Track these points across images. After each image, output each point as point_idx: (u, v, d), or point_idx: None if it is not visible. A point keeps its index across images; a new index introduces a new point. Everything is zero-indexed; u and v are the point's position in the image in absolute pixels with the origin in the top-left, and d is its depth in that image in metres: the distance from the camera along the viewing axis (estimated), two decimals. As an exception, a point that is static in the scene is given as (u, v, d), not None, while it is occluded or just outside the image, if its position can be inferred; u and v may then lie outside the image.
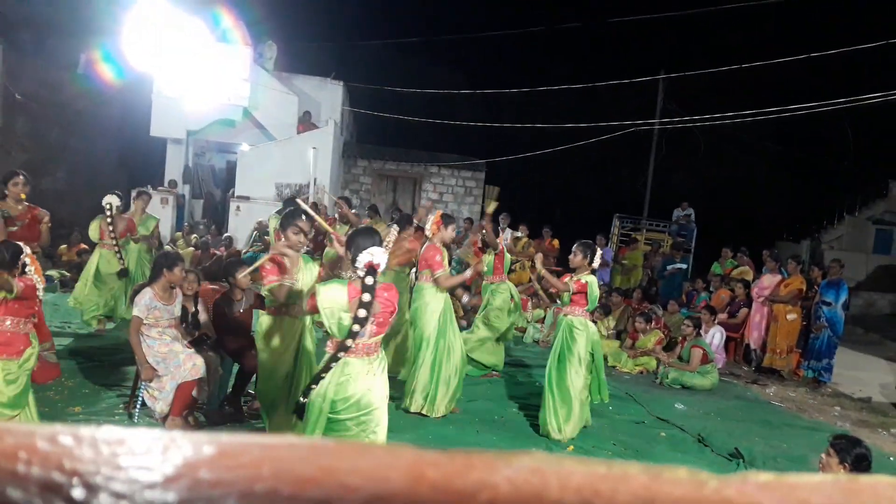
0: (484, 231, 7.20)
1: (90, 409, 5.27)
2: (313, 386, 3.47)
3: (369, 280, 3.29)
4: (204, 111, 14.92)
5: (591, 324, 5.71)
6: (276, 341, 4.37)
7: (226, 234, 13.42)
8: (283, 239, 4.39)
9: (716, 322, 9.40)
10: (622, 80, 16.13)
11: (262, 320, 4.48)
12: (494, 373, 7.46)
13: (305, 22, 23.36)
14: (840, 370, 9.24)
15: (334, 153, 15.75)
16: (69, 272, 10.58)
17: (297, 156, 14.98)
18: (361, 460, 0.40)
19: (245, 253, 11.66)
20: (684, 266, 13.40)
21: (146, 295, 4.98)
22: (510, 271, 8.41)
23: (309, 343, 4.58)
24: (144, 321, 4.92)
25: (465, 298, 6.23)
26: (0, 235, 5.47)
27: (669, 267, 13.03)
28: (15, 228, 5.65)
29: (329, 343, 3.51)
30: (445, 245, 6.08)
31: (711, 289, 11.19)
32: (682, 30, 24.07)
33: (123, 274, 7.78)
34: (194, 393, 4.99)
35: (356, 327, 3.31)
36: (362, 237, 3.49)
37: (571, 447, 5.46)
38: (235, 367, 5.49)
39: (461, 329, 6.73)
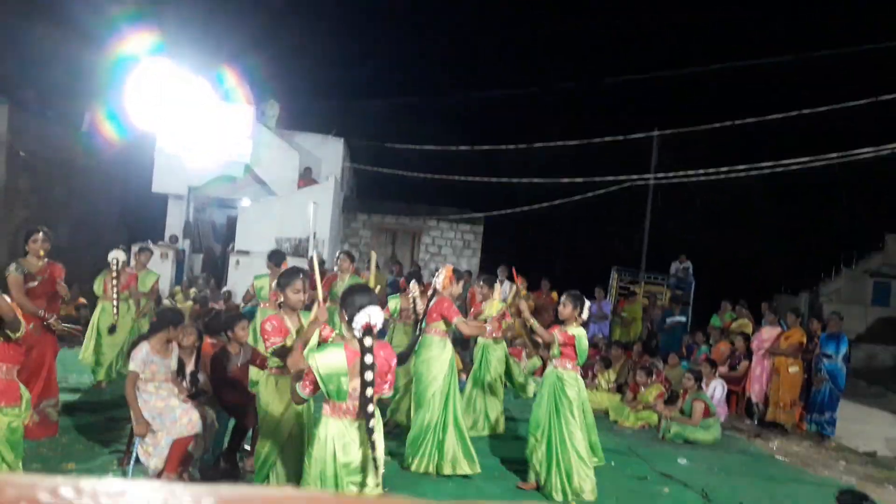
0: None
1: (84, 466, 5.18)
2: (374, 455, 3.35)
3: (368, 341, 3.22)
4: (206, 168, 15.08)
5: (580, 380, 5.59)
6: (276, 401, 4.27)
7: (225, 289, 13.40)
8: (279, 298, 4.36)
9: (717, 375, 9.32)
10: (617, 136, 16.40)
11: (263, 381, 4.40)
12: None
13: (307, 81, 23.86)
14: (844, 423, 9.13)
15: (334, 208, 15.86)
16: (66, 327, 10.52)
17: (297, 210, 15.06)
18: (358, 511, 0.41)
19: (243, 307, 11.61)
20: (684, 319, 13.36)
21: (143, 349, 4.95)
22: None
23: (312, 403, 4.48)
24: (141, 375, 4.88)
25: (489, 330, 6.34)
26: (19, 292, 5.44)
27: (669, 320, 13.00)
28: (35, 284, 5.61)
29: (325, 406, 3.41)
30: (453, 298, 6.11)
31: (711, 342, 11.14)
32: (676, 88, 24.56)
33: (112, 330, 7.76)
34: (190, 448, 4.91)
35: (369, 391, 3.23)
36: (359, 295, 3.38)
37: (573, 502, 5.35)
38: (231, 423, 5.42)
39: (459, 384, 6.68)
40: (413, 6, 29.57)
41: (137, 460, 4.90)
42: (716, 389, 9.07)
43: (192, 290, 13.00)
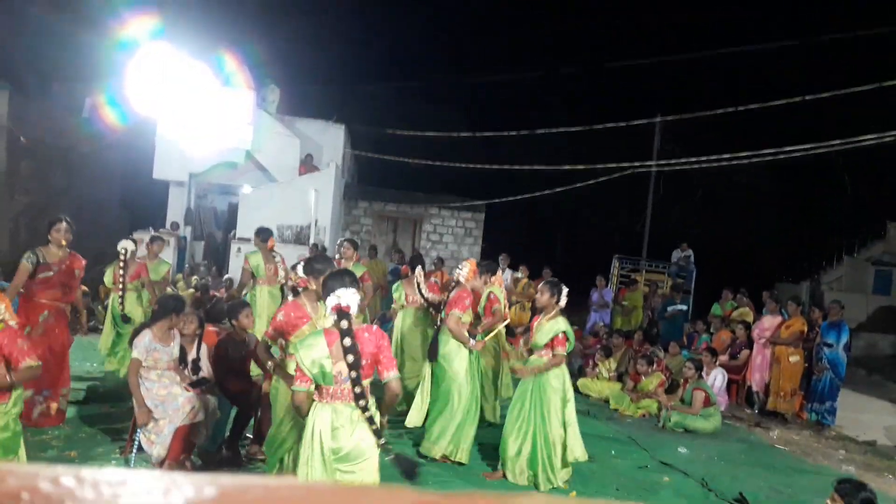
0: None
1: (87, 454, 5.21)
2: (382, 441, 3.36)
3: (344, 324, 3.27)
4: (206, 154, 15.05)
5: (565, 370, 5.52)
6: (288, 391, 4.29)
7: (226, 276, 13.41)
8: (311, 285, 4.35)
9: (717, 364, 9.33)
10: (620, 122, 16.33)
11: (284, 362, 4.40)
12: None
13: (308, 66, 23.75)
14: (844, 412, 9.15)
15: (335, 195, 15.84)
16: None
17: (298, 197, 15.07)
18: (361, 502, 0.40)
19: (245, 294, 11.62)
20: (685, 307, 13.37)
21: (145, 336, 4.97)
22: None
23: None
24: (143, 363, 4.89)
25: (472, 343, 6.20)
26: (19, 279, 5.42)
27: (670, 308, 13.00)
28: (50, 274, 5.55)
29: (316, 393, 3.43)
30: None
31: (712, 330, 11.14)
32: (679, 73, 24.44)
33: (126, 320, 7.72)
34: (192, 437, 4.93)
35: (353, 373, 3.27)
36: (332, 280, 3.43)
37: (574, 493, 5.37)
38: (234, 411, 5.43)
39: None
40: (415, -9, 29.42)
41: (140, 448, 4.93)
42: (716, 378, 9.08)
43: (194, 278, 13.00)
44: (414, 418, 6.24)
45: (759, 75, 24.42)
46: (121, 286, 7.64)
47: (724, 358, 9.90)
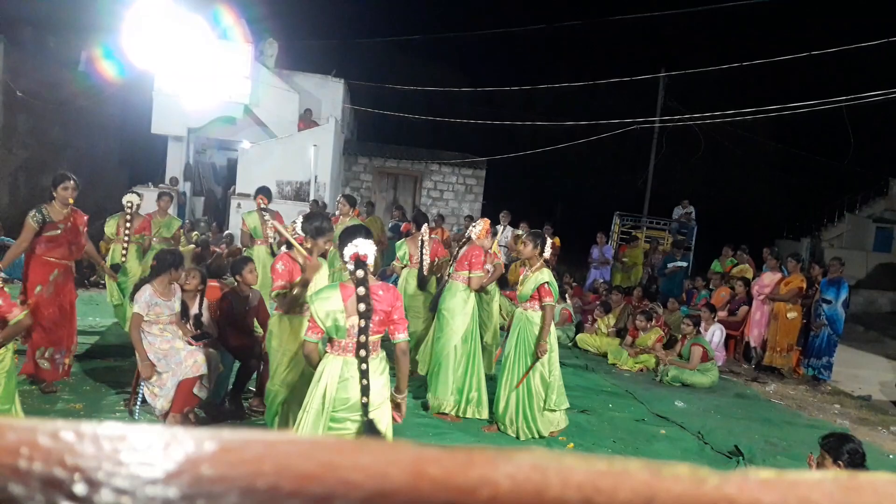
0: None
1: (91, 407, 5.28)
2: (364, 399, 3.37)
3: (360, 273, 3.30)
4: (205, 109, 14.91)
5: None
6: (286, 340, 4.34)
7: (227, 232, 13.41)
8: (308, 244, 4.34)
9: (716, 320, 9.39)
10: (623, 78, 16.12)
11: (273, 319, 4.46)
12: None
13: (306, 19, 23.37)
14: (840, 368, 9.24)
15: (335, 151, 15.73)
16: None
17: (297, 153, 14.97)
18: (363, 457, 0.40)
19: (246, 249, 11.64)
20: (685, 264, 13.38)
21: (146, 291, 4.99)
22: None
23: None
24: (145, 318, 4.92)
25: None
26: (25, 237, 5.40)
27: (670, 265, 13.02)
28: (58, 232, 5.53)
29: (329, 345, 3.49)
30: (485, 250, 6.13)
31: (711, 287, 11.18)
32: (683, 28, 24.03)
33: (116, 269, 7.76)
34: (195, 390, 4.99)
35: (362, 322, 3.30)
36: (347, 234, 3.48)
37: (571, 445, 5.46)
38: (236, 365, 5.49)
39: None
40: (415, -58, 28.75)
41: (144, 401, 4.99)
42: (714, 334, 9.15)
43: (194, 234, 13.00)
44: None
45: (763, 30, 24.02)
46: (126, 239, 7.70)
47: (722, 314, 9.96)
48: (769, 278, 9.78)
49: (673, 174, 22.50)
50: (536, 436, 5.46)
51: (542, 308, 5.39)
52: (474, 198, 17.91)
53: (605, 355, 9.07)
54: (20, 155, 14.68)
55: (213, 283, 6.25)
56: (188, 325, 5.37)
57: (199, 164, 17.08)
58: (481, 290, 6.44)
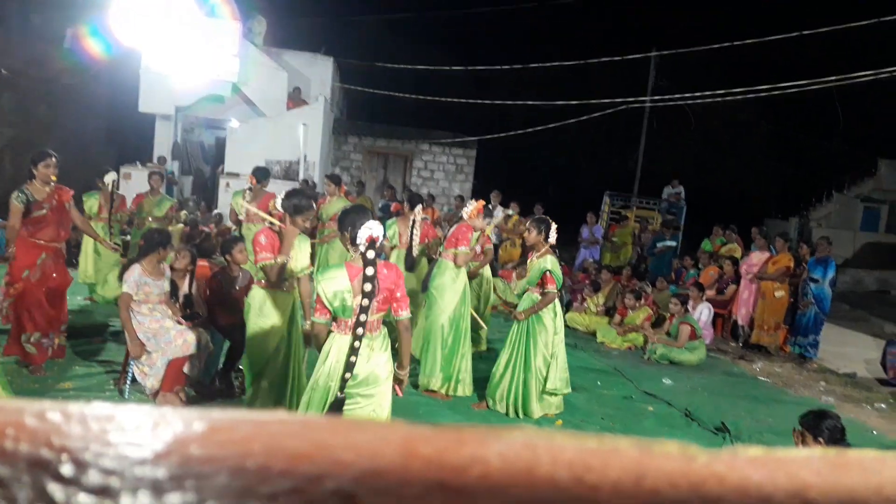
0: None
1: (81, 385, 5.28)
2: (347, 375, 3.43)
3: (371, 254, 3.34)
4: (192, 87, 14.75)
5: (557, 305, 5.59)
6: (266, 315, 4.36)
7: (215, 211, 13.33)
8: (288, 221, 4.33)
9: (704, 299, 9.46)
10: (614, 57, 16.06)
11: (254, 293, 4.47)
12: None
13: (294, -4, 23.03)
14: (826, 346, 9.34)
15: (324, 130, 15.64)
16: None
17: (287, 132, 14.87)
18: (353, 436, 0.40)
19: (235, 230, 11.59)
20: (674, 244, 13.43)
21: (135, 271, 4.96)
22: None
23: (300, 318, 4.59)
24: (134, 297, 4.90)
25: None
26: (16, 220, 5.26)
27: (659, 244, 13.07)
28: (44, 212, 5.40)
29: (334, 324, 3.51)
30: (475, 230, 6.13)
31: (700, 266, 11.25)
32: (675, 6, 23.93)
33: (119, 249, 7.74)
34: (185, 369, 4.99)
35: (365, 301, 3.33)
36: (357, 214, 3.52)
37: (560, 422, 5.51)
38: (226, 344, 5.49)
39: None
40: (405, -83, 28.35)
41: (134, 380, 4.99)
42: (702, 312, 9.22)
43: (183, 213, 12.92)
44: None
45: (754, 10, 23.96)
46: (107, 217, 7.70)
47: (710, 293, 10.03)
48: (757, 257, 9.84)
49: (663, 154, 22.53)
50: (525, 416, 5.50)
51: (543, 294, 5.42)
52: (465, 178, 17.87)
53: (593, 334, 9.12)
54: (6, 134, 14.52)
55: (202, 262, 6.22)
56: (178, 305, 5.35)
57: (187, 142, 16.94)
58: (474, 277, 6.47)
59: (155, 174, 8.84)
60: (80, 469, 0.35)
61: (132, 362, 4.94)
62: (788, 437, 3.77)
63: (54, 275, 5.55)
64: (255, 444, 0.38)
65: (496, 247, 12.16)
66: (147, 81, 14.77)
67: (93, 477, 0.35)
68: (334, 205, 8.89)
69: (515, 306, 9.75)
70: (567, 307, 10.19)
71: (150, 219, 8.38)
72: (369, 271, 3.32)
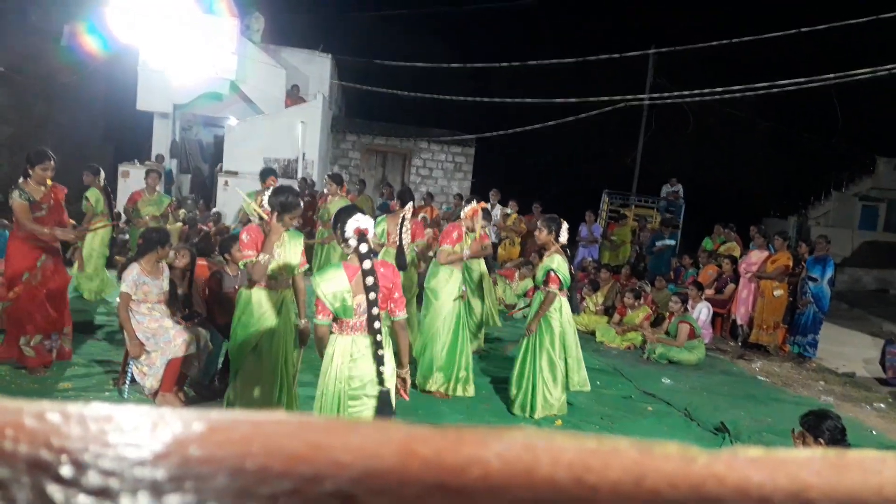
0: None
1: (80, 386, 5.27)
2: (382, 368, 3.42)
3: (363, 247, 3.33)
4: (190, 85, 14.74)
5: (565, 303, 5.60)
6: (251, 313, 4.27)
7: (214, 210, 13.33)
8: (275, 219, 4.28)
9: (703, 298, 9.46)
10: (613, 55, 16.06)
11: (242, 291, 4.39)
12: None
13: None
14: (825, 345, 9.34)
15: (323, 127, 15.62)
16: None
17: (285, 130, 14.86)
18: (352, 437, 0.40)
19: (234, 228, 11.60)
20: (672, 242, 13.44)
21: (133, 270, 4.96)
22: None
23: (292, 316, 4.53)
24: (133, 297, 4.90)
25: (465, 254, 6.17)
26: (27, 218, 5.18)
27: (658, 243, 13.08)
28: (42, 213, 5.33)
29: (335, 325, 3.50)
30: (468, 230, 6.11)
31: (699, 264, 11.25)
32: (673, 4, 23.93)
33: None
34: (184, 369, 4.99)
35: (372, 295, 3.32)
36: (345, 212, 3.50)
37: (559, 422, 5.51)
38: (226, 344, 5.48)
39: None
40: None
41: (133, 380, 4.98)
42: (701, 311, 9.22)
43: (182, 211, 12.91)
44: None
45: (752, 8, 23.96)
46: (106, 212, 7.77)
47: (709, 292, 10.03)
48: (756, 256, 9.84)
49: (661, 152, 22.53)
50: (529, 414, 5.51)
51: (546, 293, 5.41)
52: (463, 176, 17.87)
53: (592, 333, 9.12)
54: (3, 131, 14.51)
55: (201, 261, 6.21)
56: (177, 304, 5.35)
57: (185, 140, 16.92)
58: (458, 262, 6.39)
59: (152, 172, 8.84)
60: (80, 470, 0.35)
61: (131, 362, 4.93)
62: (788, 436, 3.77)
63: (55, 275, 5.52)
64: (254, 445, 0.38)
65: (495, 245, 12.16)
66: (145, 79, 14.75)
67: (92, 478, 0.35)
68: (335, 205, 8.88)
69: (514, 306, 9.81)
70: (575, 309, 10.17)
71: (148, 217, 8.38)
72: (367, 264, 3.30)
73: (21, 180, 5.32)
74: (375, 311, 3.34)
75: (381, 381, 3.46)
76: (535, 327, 5.46)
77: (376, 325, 3.37)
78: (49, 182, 5.39)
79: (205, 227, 11.51)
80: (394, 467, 0.37)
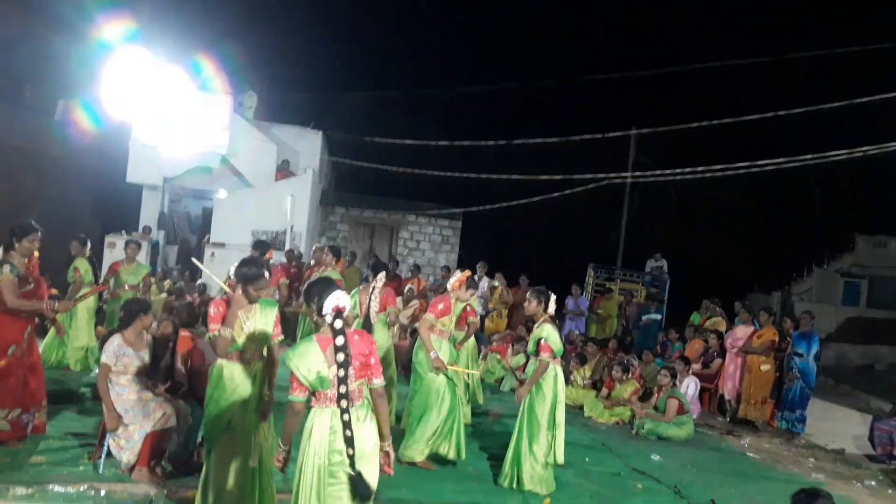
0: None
1: (53, 460, 5.09)
2: (350, 451, 3.28)
3: (338, 324, 3.29)
4: (181, 158, 14.91)
5: (559, 371, 5.60)
6: (222, 388, 4.13)
7: (199, 281, 13.25)
8: (238, 292, 4.16)
9: (690, 372, 9.42)
10: (595, 134, 16.49)
11: (216, 365, 4.24)
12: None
13: (286, 72, 23.68)
14: (813, 421, 9.28)
15: (312, 201, 15.77)
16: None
17: (274, 203, 14.97)
18: None
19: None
20: (659, 317, 13.47)
21: (115, 341, 4.89)
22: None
23: (266, 390, 4.35)
24: (113, 368, 4.81)
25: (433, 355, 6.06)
26: (12, 295, 5.05)
27: (645, 317, 13.10)
28: (30, 287, 5.24)
29: (313, 398, 3.40)
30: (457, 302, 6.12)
31: (686, 338, 11.25)
32: (655, 86, 24.77)
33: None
34: (163, 443, 4.86)
35: (341, 372, 3.25)
36: (322, 285, 3.49)
37: (548, 500, 5.38)
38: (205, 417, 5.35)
39: None
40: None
41: (109, 454, 4.84)
42: (689, 386, 9.16)
43: (167, 282, 12.85)
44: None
45: (732, 90, 24.82)
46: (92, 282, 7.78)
47: (696, 366, 9.99)
48: (742, 331, 9.87)
49: (645, 228, 22.84)
50: (515, 485, 5.43)
51: (539, 362, 5.45)
52: (450, 248, 17.98)
53: (580, 407, 9.01)
54: (-9, 204, 14.48)
55: (184, 332, 6.14)
56: (159, 375, 5.25)
57: (173, 212, 16.99)
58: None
59: (131, 243, 8.90)
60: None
61: (108, 435, 4.80)
62: (779, 514, 3.69)
63: (33, 347, 5.43)
64: None
65: (482, 318, 12.13)
66: (136, 152, 14.91)
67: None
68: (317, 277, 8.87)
69: (502, 379, 9.69)
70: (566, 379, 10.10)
71: (126, 286, 8.36)
72: (339, 341, 3.26)
73: (7, 254, 5.22)
74: (343, 388, 3.28)
75: (351, 465, 3.28)
76: (526, 393, 5.46)
77: (343, 403, 3.28)
78: (36, 255, 5.35)
79: (189, 298, 11.44)
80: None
